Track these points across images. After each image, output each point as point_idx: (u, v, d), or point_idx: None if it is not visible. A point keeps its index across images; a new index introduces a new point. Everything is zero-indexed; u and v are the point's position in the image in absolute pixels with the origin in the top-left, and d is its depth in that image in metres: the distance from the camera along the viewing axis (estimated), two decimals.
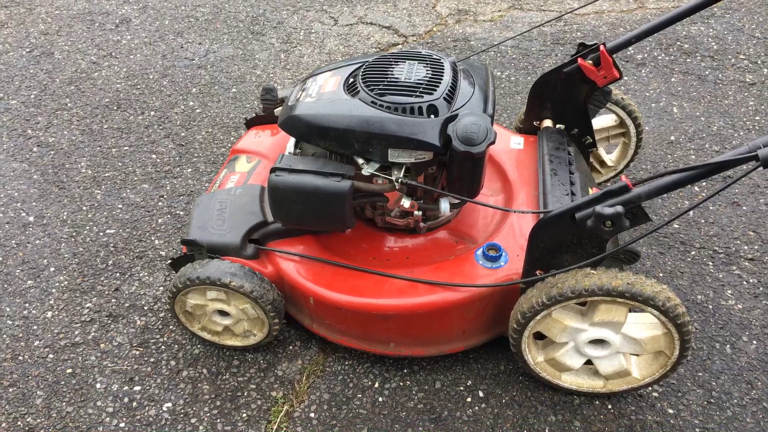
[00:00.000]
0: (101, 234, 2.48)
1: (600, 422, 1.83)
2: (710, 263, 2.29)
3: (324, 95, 1.74)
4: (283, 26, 3.88)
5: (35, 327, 2.14)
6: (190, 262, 1.86)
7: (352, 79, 1.76)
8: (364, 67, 1.77)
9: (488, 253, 1.79)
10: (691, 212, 2.49)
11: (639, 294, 1.50)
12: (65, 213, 2.58)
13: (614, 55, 1.91)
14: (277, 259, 1.88)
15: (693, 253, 2.34)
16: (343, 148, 1.70)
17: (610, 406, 1.87)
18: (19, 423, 1.86)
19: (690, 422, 1.83)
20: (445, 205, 1.81)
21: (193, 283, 1.78)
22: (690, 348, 1.63)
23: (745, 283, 2.22)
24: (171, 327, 2.13)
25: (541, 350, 1.82)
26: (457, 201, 1.85)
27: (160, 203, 2.62)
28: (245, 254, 1.85)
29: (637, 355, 1.76)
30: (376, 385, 1.95)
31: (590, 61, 1.93)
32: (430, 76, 1.69)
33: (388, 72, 1.72)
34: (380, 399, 1.91)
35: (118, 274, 2.31)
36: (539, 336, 1.79)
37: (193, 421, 1.86)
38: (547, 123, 2.16)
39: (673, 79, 3.27)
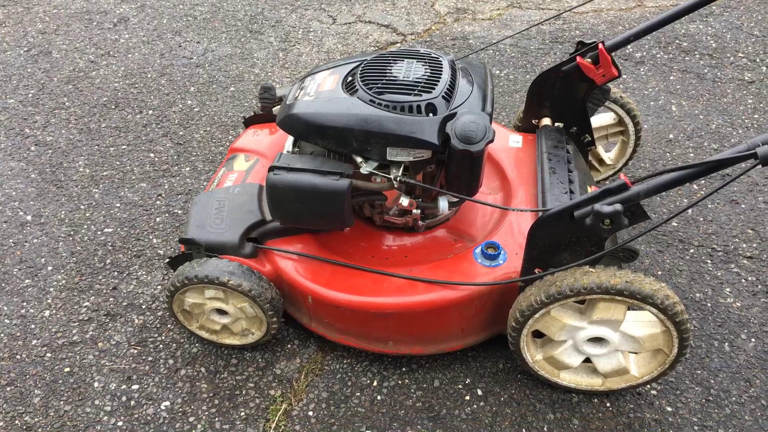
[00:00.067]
0: (99, 233, 2.48)
1: (598, 420, 1.83)
2: (709, 261, 2.30)
3: (322, 94, 1.74)
4: (281, 25, 3.87)
5: (33, 326, 2.13)
6: (188, 260, 1.85)
7: (350, 78, 1.76)
8: (362, 65, 1.77)
9: (487, 252, 1.79)
10: (689, 210, 2.49)
11: (637, 292, 1.50)
12: (63, 212, 2.57)
13: (613, 54, 1.91)
14: (275, 257, 1.88)
15: (692, 251, 2.34)
16: (341, 146, 1.70)
17: (608, 404, 1.87)
18: (16, 422, 1.86)
19: (688, 420, 1.83)
20: (443, 204, 1.81)
21: (191, 282, 1.78)
22: (688, 346, 1.63)
23: (743, 281, 2.22)
24: (169, 326, 2.12)
25: (540, 348, 1.82)
26: (455, 199, 1.85)
27: (158, 202, 2.62)
28: (243, 253, 1.84)
29: (636, 353, 1.76)
30: (375, 383, 1.95)
31: (589, 60, 1.93)
32: (428, 74, 1.69)
33: (387, 70, 1.72)
34: (379, 397, 1.91)
35: (116, 273, 2.31)
36: (538, 334, 1.79)
37: (191, 419, 1.86)
38: (546, 121, 2.15)
39: (671, 78, 3.27)
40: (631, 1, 4.03)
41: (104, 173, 2.76)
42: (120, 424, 1.85)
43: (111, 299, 2.22)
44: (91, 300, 2.22)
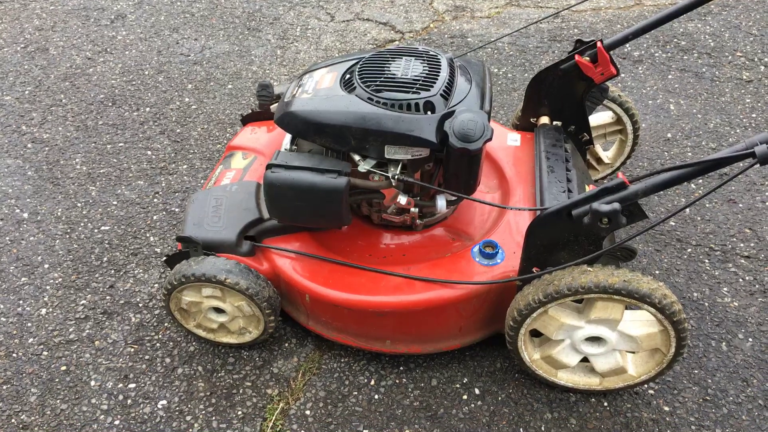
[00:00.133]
0: (96, 231, 2.47)
1: (596, 420, 1.83)
2: (706, 261, 2.30)
3: (320, 91, 1.74)
4: (279, 22, 3.86)
5: (29, 324, 2.13)
6: (185, 259, 1.85)
7: (348, 76, 1.75)
8: (360, 63, 1.76)
9: (485, 251, 1.78)
10: (687, 209, 2.49)
11: (635, 291, 1.50)
12: (60, 209, 2.57)
13: (611, 52, 1.91)
14: (272, 256, 1.87)
15: (689, 250, 2.34)
16: (339, 144, 1.69)
17: (606, 404, 1.87)
18: (13, 420, 1.85)
19: (686, 419, 1.83)
20: (441, 202, 1.80)
21: (188, 281, 1.78)
22: (686, 345, 1.63)
23: (741, 280, 2.22)
24: (166, 324, 2.12)
25: (538, 347, 1.82)
26: (453, 198, 1.85)
27: (155, 200, 2.61)
28: (241, 251, 1.84)
29: (633, 352, 1.76)
30: (372, 382, 1.94)
31: (587, 58, 1.93)
32: (426, 72, 1.69)
33: (385, 68, 1.71)
34: (376, 396, 1.90)
35: (112, 271, 2.30)
36: (535, 333, 1.79)
37: (188, 418, 1.85)
38: (544, 120, 2.15)
39: (670, 76, 3.27)
40: None
41: (101, 171, 2.75)
42: (117, 422, 1.85)
43: (108, 297, 2.21)
44: (88, 298, 2.21)
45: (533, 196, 1.95)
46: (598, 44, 1.89)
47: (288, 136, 1.88)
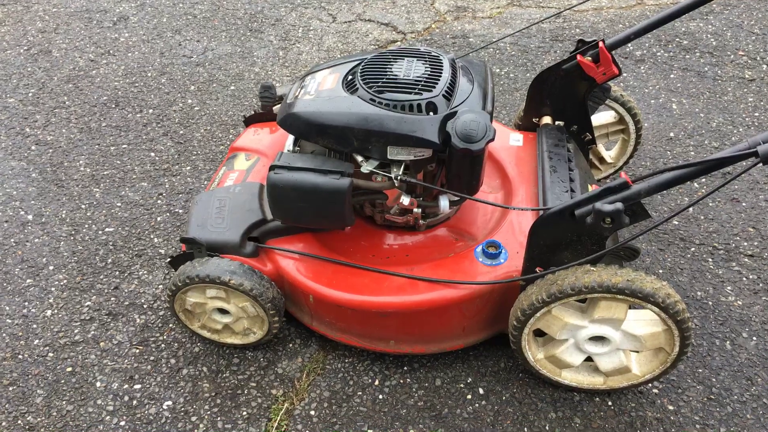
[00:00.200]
0: (100, 232, 2.48)
1: (600, 419, 1.83)
2: (710, 260, 2.30)
3: (323, 93, 1.74)
4: (281, 23, 3.87)
5: (35, 326, 2.14)
6: (189, 260, 1.85)
7: (350, 77, 1.76)
8: (362, 64, 1.77)
9: (488, 251, 1.79)
10: (690, 209, 2.49)
11: (639, 291, 1.50)
12: (64, 211, 2.58)
13: (613, 52, 1.91)
14: (276, 257, 1.88)
15: (693, 249, 2.34)
16: (341, 145, 1.70)
17: (610, 403, 1.87)
18: (19, 422, 1.86)
19: (690, 418, 1.83)
20: (444, 203, 1.81)
21: (192, 282, 1.78)
22: (690, 344, 1.63)
23: (744, 279, 2.22)
24: (171, 325, 2.13)
25: (541, 347, 1.82)
26: (456, 198, 1.85)
27: (159, 201, 2.62)
28: (244, 252, 1.85)
29: (637, 351, 1.76)
30: (377, 382, 1.95)
31: (589, 58, 1.93)
32: (429, 73, 1.69)
33: (387, 69, 1.72)
34: (380, 396, 1.91)
35: (117, 273, 2.31)
36: (539, 333, 1.79)
37: (193, 419, 1.86)
38: (547, 120, 2.15)
39: (672, 76, 3.26)
40: None
41: (105, 172, 2.76)
42: (122, 423, 1.86)
43: (113, 299, 2.22)
44: (93, 299, 2.22)
45: (536, 196, 1.96)
46: (600, 44, 1.89)
47: (291, 138, 1.89)
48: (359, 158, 1.72)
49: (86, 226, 2.51)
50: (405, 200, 1.77)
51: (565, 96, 2.05)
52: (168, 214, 2.56)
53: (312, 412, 1.87)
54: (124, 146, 2.91)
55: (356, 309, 1.79)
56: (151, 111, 3.13)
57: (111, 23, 3.86)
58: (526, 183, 2.01)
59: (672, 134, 2.88)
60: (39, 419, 1.87)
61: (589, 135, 2.13)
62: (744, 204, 2.51)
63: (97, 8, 4.01)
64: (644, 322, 1.66)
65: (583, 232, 1.52)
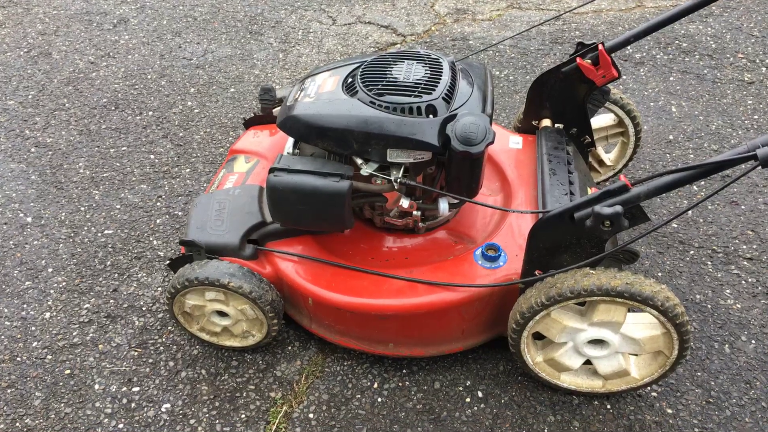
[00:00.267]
0: (99, 234, 2.48)
1: (599, 422, 1.83)
2: (709, 263, 2.30)
3: (322, 95, 1.74)
4: (281, 26, 3.87)
5: (33, 328, 2.13)
6: (188, 262, 1.85)
7: (350, 79, 1.76)
8: (362, 66, 1.77)
9: (487, 253, 1.79)
10: (689, 212, 2.49)
11: (638, 294, 1.50)
12: (63, 213, 2.57)
13: (613, 55, 1.91)
14: (275, 259, 1.88)
15: (692, 252, 2.34)
16: (341, 148, 1.70)
17: (609, 406, 1.87)
18: (17, 424, 1.86)
19: (689, 422, 1.83)
20: (443, 205, 1.81)
21: (191, 284, 1.78)
22: (689, 348, 1.63)
23: (743, 282, 2.22)
24: (170, 328, 2.12)
25: (540, 350, 1.82)
26: (455, 201, 1.85)
27: (158, 204, 2.61)
28: (244, 255, 1.84)
29: (636, 355, 1.76)
30: (375, 385, 1.94)
31: (589, 61, 1.93)
32: (428, 75, 1.69)
33: (387, 72, 1.72)
34: (379, 399, 1.91)
35: (116, 275, 2.31)
36: (538, 336, 1.79)
37: (191, 422, 1.86)
38: (546, 122, 2.15)
39: (671, 78, 3.27)
40: (631, 1, 4.03)
41: (104, 175, 2.76)
42: (121, 426, 1.85)
43: (111, 301, 2.22)
44: (92, 302, 2.21)
45: (535, 198, 1.96)
46: (600, 47, 1.90)
47: (290, 140, 1.89)
48: (359, 161, 1.72)
49: (85, 228, 2.51)
50: (404, 203, 1.77)
51: (564, 99, 2.05)
52: (167, 216, 2.56)
53: (311, 415, 1.87)
54: (124, 148, 2.91)
55: (355, 312, 1.79)
56: (150, 113, 3.13)
57: (111, 25, 3.86)
58: (525, 186, 2.01)
59: (671, 137, 2.88)
60: (37, 422, 1.87)
61: (588, 138, 2.13)
62: (743, 207, 2.52)
63: (98, 10, 4.01)
64: (643, 325, 1.66)
65: (583, 235, 1.52)
